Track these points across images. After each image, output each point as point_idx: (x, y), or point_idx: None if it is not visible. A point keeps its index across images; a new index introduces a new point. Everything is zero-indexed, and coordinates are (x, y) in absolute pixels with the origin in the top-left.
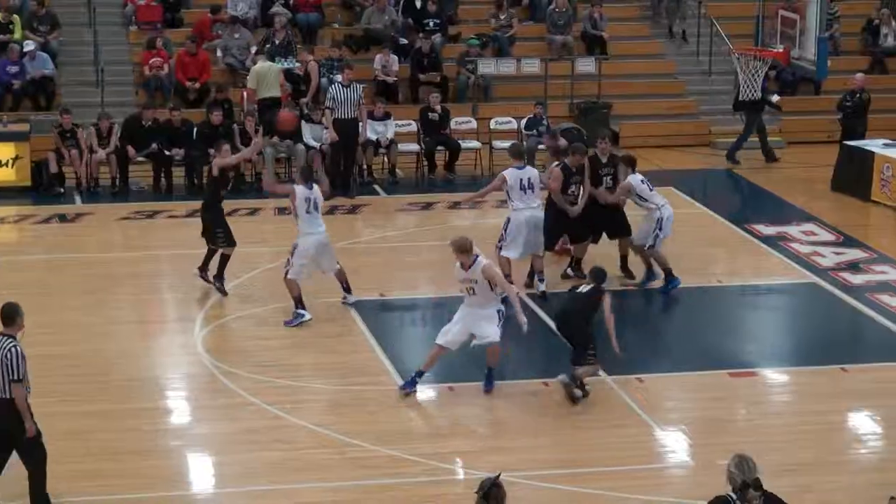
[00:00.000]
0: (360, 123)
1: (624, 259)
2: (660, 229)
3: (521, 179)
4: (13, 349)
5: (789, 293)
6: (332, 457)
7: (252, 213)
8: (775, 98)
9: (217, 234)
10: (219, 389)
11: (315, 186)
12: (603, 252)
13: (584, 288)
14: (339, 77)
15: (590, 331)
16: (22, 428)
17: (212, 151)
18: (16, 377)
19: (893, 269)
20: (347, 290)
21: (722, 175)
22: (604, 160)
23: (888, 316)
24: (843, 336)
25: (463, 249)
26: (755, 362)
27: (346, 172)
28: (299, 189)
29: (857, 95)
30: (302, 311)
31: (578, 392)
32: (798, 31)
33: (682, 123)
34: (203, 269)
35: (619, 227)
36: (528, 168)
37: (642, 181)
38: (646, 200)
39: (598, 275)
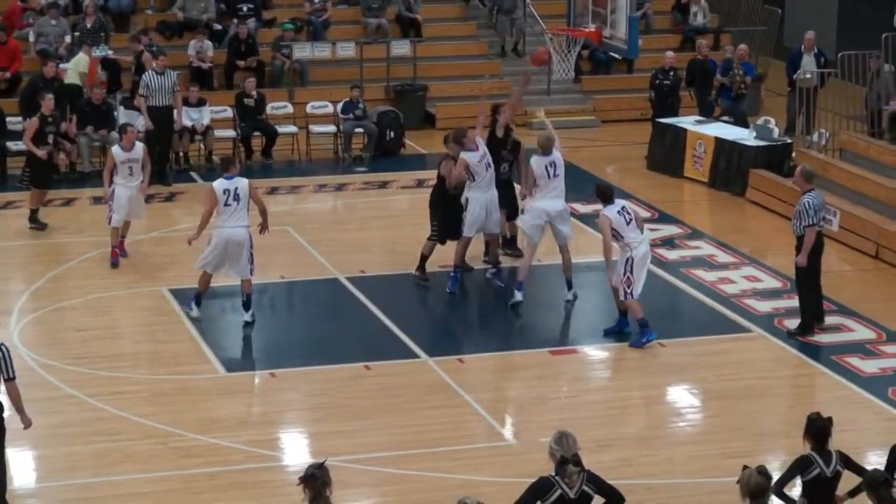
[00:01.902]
0: (175, 111)
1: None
2: (630, 272)
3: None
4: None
5: (606, 270)
6: (155, 447)
7: (67, 203)
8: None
9: None
10: (38, 383)
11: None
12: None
13: None
14: (153, 64)
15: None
16: None
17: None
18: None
19: (707, 244)
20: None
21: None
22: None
23: (703, 290)
24: (660, 311)
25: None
26: (575, 340)
27: (162, 160)
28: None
29: (670, 73)
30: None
31: None
32: (609, 10)
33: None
34: None
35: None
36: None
37: (619, 212)
38: (621, 237)
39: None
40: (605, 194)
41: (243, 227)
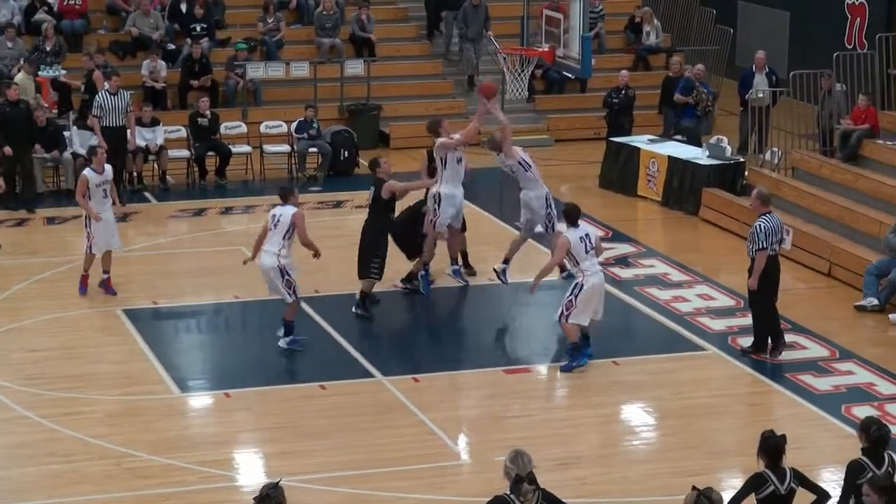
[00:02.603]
0: (129, 130)
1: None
2: (575, 298)
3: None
4: None
5: (560, 288)
6: (108, 468)
7: (20, 223)
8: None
9: None
10: None
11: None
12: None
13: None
14: (106, 85)
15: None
16: None
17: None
18: None
19: (661, 263)
20: None
21: (492, 173)
22: None
23: (657, 308)
24: (614, 329)
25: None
26: (529, 358)
27: (117, 181)
28: None
29: (623, 92)
30: None
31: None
32: (562, 29)
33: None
34: None
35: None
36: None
37: (582, 238)
38: (576, 263)
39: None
40: (571, 216)
41: (271, 253)
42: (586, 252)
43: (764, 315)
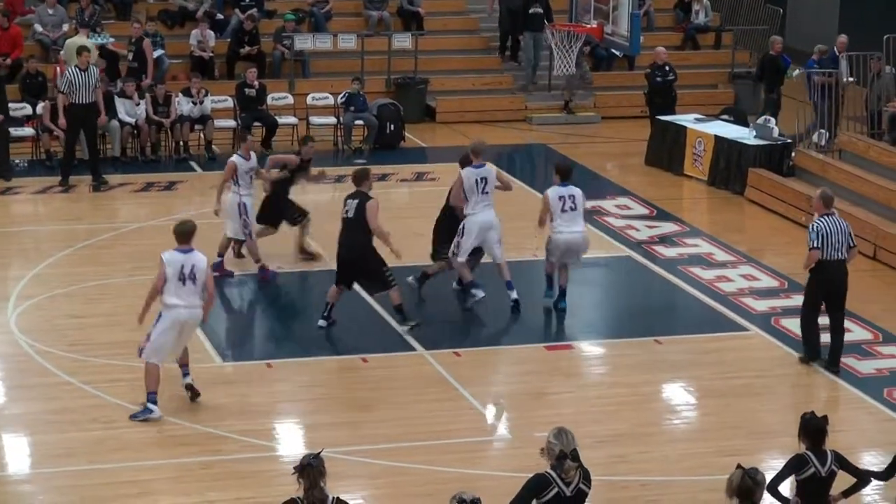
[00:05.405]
0: (99, 105)
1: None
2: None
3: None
4: None
5: (604, 266)
6: (150, 435)
7: (65, 190)
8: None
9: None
10: (34, 369)
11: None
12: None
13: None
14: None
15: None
16: None
17: None
18: None
19: (705, 242)
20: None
21: (538, 150)
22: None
23: (700, 288)
24: (656, 308)
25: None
26: (571, 335)
27: (94, 157)
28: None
29: (668, 70)
30: None
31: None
32: (611, 6)
33: (499, 99)
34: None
35: None
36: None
37: (561, 198)
38: (551, 220)
39: None
40: (561, 172)
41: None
42: (562, 211)
43: (804, 319)
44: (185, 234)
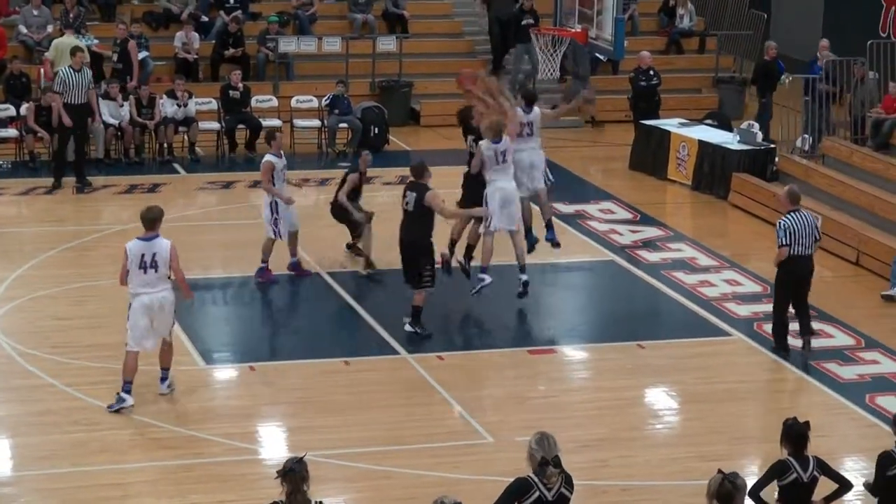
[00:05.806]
0: (93, 107)
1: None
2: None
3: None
4: None
5: (587, 270)
6: (132, 438)
7: (48, 191)
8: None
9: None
10: (17, 371)
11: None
12: None
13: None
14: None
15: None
16: None
17: None
18: None
19: (688, 247)
20: None
21: None
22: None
23: (683, 293)
24: (639, 313)
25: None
26: (554, 339)
27: (79, 159)
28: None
29: (653, 74)
30: None
31: None
32: (595, 11)
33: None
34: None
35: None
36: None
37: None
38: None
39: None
40: (528, 98)
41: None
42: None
43: (775, 311)
44: (150, 221)
